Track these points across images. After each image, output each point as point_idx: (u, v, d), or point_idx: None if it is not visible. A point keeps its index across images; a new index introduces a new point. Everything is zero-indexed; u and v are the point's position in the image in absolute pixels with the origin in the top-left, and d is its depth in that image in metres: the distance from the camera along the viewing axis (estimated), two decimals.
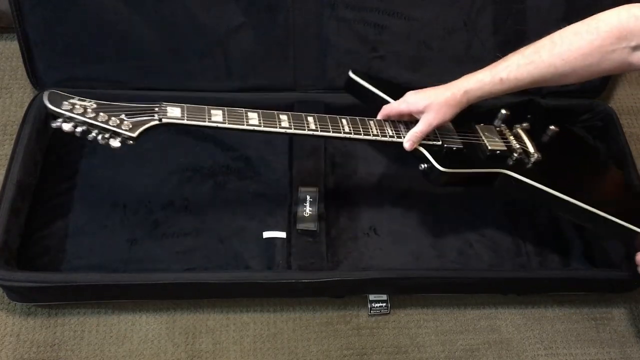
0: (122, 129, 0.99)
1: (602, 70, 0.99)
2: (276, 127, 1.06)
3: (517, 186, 1.18)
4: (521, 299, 1.29)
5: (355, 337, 1.22)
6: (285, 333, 1.21)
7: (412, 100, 1.11)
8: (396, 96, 1.19)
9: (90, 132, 1.00)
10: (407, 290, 1.25)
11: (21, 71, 1.39)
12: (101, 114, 0.99)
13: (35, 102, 1.33)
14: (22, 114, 1.32)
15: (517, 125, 1.28)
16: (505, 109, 1.28)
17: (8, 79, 1.48)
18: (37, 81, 1.36)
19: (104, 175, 1.32)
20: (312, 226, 1.23)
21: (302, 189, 1.28)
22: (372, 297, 1.23)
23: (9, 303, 1.19)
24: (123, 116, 1.00)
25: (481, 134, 1.23)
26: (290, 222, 1.27)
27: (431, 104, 1.08)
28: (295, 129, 1.07)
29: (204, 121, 1.03)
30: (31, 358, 1.14)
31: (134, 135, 1.00)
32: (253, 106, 1.40)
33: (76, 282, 1.12)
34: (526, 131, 1.27)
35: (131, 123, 1.00)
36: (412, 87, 1.43)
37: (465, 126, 1.23)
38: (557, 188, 1.16)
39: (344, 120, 1.11)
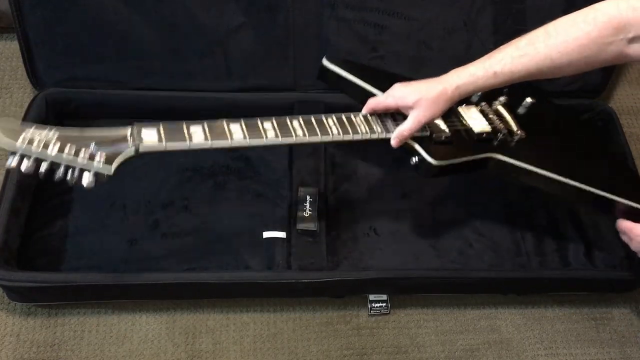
0: (94, 165, 0.85)
1: (598, 62, 0.97)
2: (263, 139, 0.98)
3: (506, 168, 1.14)
4: (521, 299, 1.29)
5: (355, 337, 1.22)
6: (285, 333, 1.21)
7: (400, 95, 1.04)
8: (377, 82, 1.14)
9: (56, 171, 0.85)
10: (407, 290, 1.25)
11: (21, 71, 1.39)
12: (67, 147, 0.84)
13: (35, 102, 1.33)
14: (22, 114, 1.32)
15: (495, 102, 1.21)
16: None
17: (8, 79, 1.48)
18: (37, 81, 1.36)
19: None
20: (312, 226, 1.23)
21: (302, 189, 1.28)
22: (372, 297, 1.23)
23: (9, 303, 1.19)
24: (93, 147, 0.86)
25: (465, 117, 1.17)
26: (290, 222, 1.27)
27: (421, 99, 1.01)
28: (282, 137, 1.00)
29: (185, 142, 0.92)
30: (31, 358, 1.14)
31: (110, 172, 0.87)
32: (253, 106, 1.42)
33: (76, 282, 1.12)
34: (506, 106, 1.21)
35: (104, 155, 0.85)
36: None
37: (448, 110, 1.13)
38: (545, 166, 1.13)
39: (330, 121, 1.04)
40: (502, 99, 1.21)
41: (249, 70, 1.40)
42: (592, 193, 1.13)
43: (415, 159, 1.09)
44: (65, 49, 1.32)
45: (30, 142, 0.83)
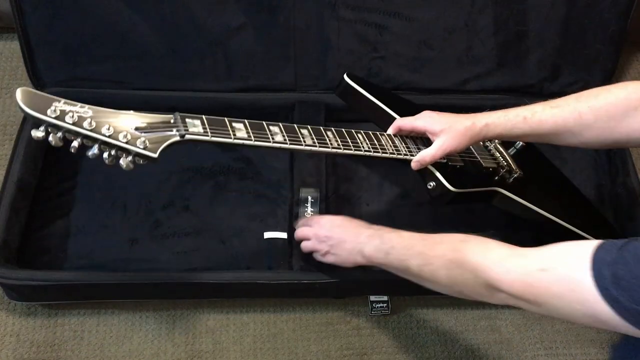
0: (138, 147, 0.79)
1: (621, 128, 0.97)
2: (301, 144, 0.99)
3: (508, 202, 1.21)
4: None
5: (356, 337, 1.22)
6: (285, 333, 1.21)
7: (430, 120, 1.07)
8: (392, 105, 1.19)
9: (91, 147, 0.79)
10: (408, 291, 1.25)
11: (21, 71, 1.39)
12: (106, 125, 0.78)
13: None
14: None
15: (494, 140, 1.28)
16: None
17: (8, 79, 1.47)
18: (38, 81, 1.36)
19: (105, 175, 1.32)
20: None
21: (304, 189, 1.28)
22: (372, 297, 1.23)
23: (9, 303, 1.19)
24: (133, 129, 0.80)
25: (473, 150, 1.23)
26: (291, 222, 1.27)
27: (449, 128, 1.04)
28: (319, 146, 1.01)
29: (229, 137, 0.91)
30: (31, 358, 1.14)
31: (156, 155, 0.81)
32: (254, 106, 1.42)
33: (76, 281, 1.12)
34: (502, 146, 1.28)
35: (147, 140, 0.80)
36: (412, 86, 1.45)
37: None
38: (540, 205, 1.20)
39: (360, 137, 1.07)
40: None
41: (250, 71, 1.40)
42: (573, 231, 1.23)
43: (432, 184, 1.12)
44: (65, 49, 1.32)
45: (62, 115, 0.76)
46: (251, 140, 0.93)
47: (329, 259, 1.08)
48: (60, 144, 0.77)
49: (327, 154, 1.08)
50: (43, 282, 1.11)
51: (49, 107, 0.76)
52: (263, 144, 0.94)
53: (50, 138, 0.76)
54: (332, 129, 1.06)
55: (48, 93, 1.31)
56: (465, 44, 1.41)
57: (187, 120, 0.88)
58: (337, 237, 1.06)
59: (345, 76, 1.24)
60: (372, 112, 1.21)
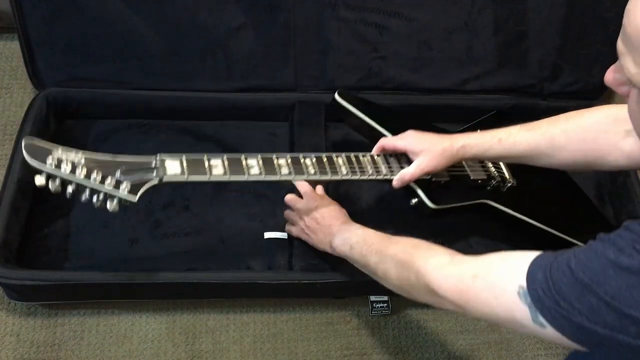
0: (120, 193, 0.89)
1: (593, 150, 1.00)
2: (277, 175, 1.05)
3: (496, 213, 1.23)
4: None
5: (356, 337, 1.22)
6: (285, 333, 1.21)
7: (410, 141, 1.12)
8: (385, 121, 1.23)
9: (82, 192, 0.89)
10: None
11: (21, 71, 1.39)
12: (94, 173, 0.88)
13: (36, 102, 1.33)
14: (22, 114, 1.32)
15: None
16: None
17: (8, 79, 1.47)
18: (38, 81, 1.36)
19: None
20: None
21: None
22: (373, 297, 1.23)
23: (9, 303, 1.19)
24: (118, 174, 0.90)
25: (463, 163, 1.25)
26: None
27: (428, 149, 1.09)
28: (295, 174, 1.06)
29: (205, 176, 0.98)
30: (31, 358, 1.14)
31: (135, 199, 0.91)
32: (254, 106, 1.42)
33: (76, 281, 1.12)
34: None
35: (130, 184, 0.89)
36: (412, 86, 1.45)
37: None
38: (530, 215, 1.23)
39: (340, 160, 1.12)
40: None
41: (250, 71, 1.40)
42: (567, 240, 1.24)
43: (414, 201, 1.19)
44: (66, 49, 1.32)
45: (59, 163, 0.87)
46: (227, 175, 1.00)
47: (304, 237, 1.18)
48: (60, 190, 0.88)
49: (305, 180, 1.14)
50: (43, 282, 1.11)
51: (48, 156, 0.87)
52: (239, 179, 1.01)
53: (50, 185, 0.88)
54: (313, 155, 1.10)
55: (48, 93, 1.35)
56: (465, 44, 1.41)
57: (166, 162, 0.96)
58: (313, 226, 1.14)
59: (336, 94, 1.28)
60: (364, 129, 1.26)
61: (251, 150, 1.39)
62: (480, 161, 1.27)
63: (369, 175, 1.12)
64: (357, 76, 1.43)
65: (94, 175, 0.88)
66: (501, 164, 1.29)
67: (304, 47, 1.38)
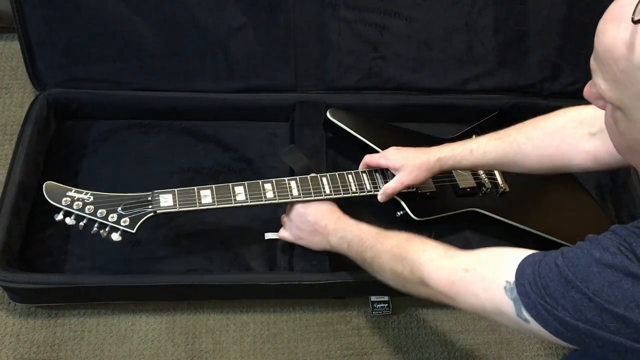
0: (121, 225, 1.04)
1: (559, 155, 1.02)
2: (262, 200, 1.12)
3: (487, 219, 1.25)
4: None
5: (356, 337, 1.22)
6: (285, 333, 1.22)
7: (391, 158, 1.17)
8: (376, 136, 1.29)
9: (92, 226, 1.04)
10: None
11: (21, 71, 1.39)
12: (100, 210, 1.04)
13: (36, 103, 1.33)
14: (22, 114, 1.32)
15: None
16: (476, 134, 1.31)
17: (8, 79, 1.47)
18: (38, 82, 1.36)
19: (106, 176, 1.32)
20: None
21: None
22: (373, 298, 1.23)
23: (9, 303, 1.19)
24: (120, 210, 1.05)
25: (453, 172, 1.28)
26: None
27: (406, 164, 1.14)
28: (279, 198, 1.13)
29: (195, 206, 1.08)
30: (31, 358, 1.14)
31: (133, 231, 1.05)
32: (254, 107, 1.42)
33: (78, 283, 1.12)
34: None
35: (129, 218, 1.05)
36: (412, 86, 1.45)
37: None
38: (522, 220, 1.24)
39: (324, 180, 1.17)
40: None
41: (250, 71, 1.40)
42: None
43: (399, 213, 1.25)
44: (66, 49, 1.32)
45: (72, 202, 1.04)
46: (215, 204, 1.09)
47: (301, 243, 1.19)
48: (74, 222, 1.05)
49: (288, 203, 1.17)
50: (45, 285, 1.10)
51: (64, 196, 1.05)
52: (226, 206, 1.10)
53: (67, 220, 1.05)
54: (297, 178, 1.15)
55: (48, 94, 1.35)
56: (465, 44, 1.41)
57: (160, 196, 1.08)
58: (307, 229, 1.15)
59: (328, 113, 1.33)
60: (357, 145, 1.31)
61: (251, 150, 1.41)
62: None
63: (352, 193, 1.18)
64: (357, 76, 1.43)
65: (99, 212, 1.04)
66: (495, 170, 1.31)
67: (304, 47, 1.38)
